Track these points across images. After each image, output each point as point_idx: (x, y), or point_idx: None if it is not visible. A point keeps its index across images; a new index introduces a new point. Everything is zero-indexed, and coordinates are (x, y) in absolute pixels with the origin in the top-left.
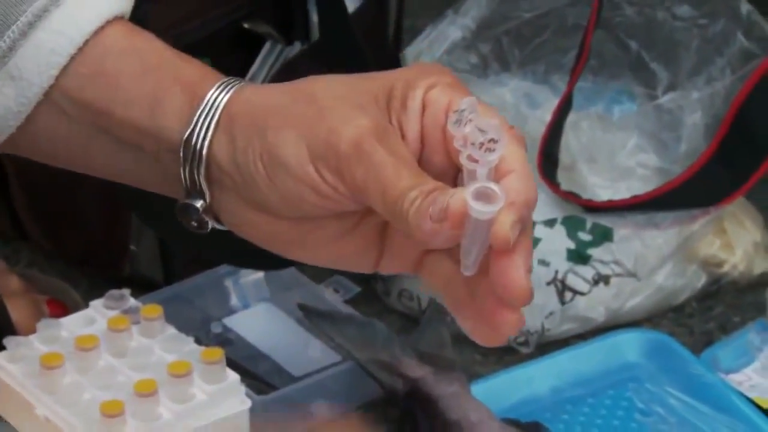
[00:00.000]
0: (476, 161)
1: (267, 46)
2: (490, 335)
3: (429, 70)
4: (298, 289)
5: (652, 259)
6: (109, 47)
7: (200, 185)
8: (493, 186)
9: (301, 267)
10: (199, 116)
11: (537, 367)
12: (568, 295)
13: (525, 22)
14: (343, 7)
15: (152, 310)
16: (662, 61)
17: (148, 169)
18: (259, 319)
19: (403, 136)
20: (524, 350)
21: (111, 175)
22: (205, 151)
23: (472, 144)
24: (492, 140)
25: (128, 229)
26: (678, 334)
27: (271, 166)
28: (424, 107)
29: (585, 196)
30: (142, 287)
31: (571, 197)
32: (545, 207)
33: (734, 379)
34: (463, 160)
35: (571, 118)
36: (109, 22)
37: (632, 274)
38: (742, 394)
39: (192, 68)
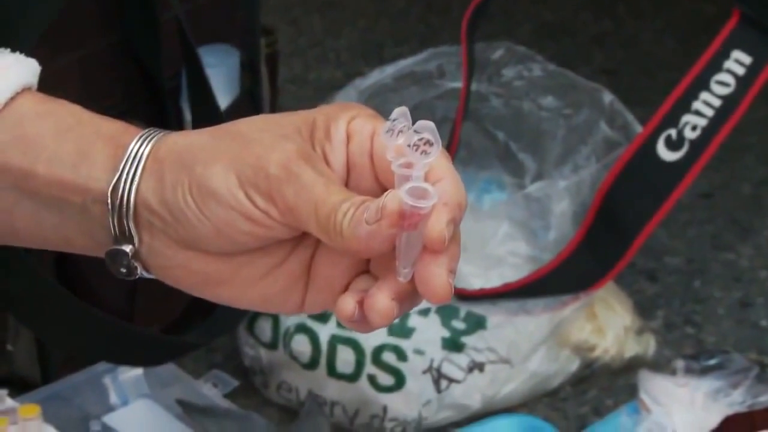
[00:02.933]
0: (410, 167)
1: None
2: None
3: (348, 106)
4: (177, 384)
5: (525, 346)
6: (25, 113)
7: (129, 231)
8: (427, 186)
9: (180, 362)
10: (125, 165)
11: None
12: (444, 383)
13: None
14: (216, 105)
15: (30, 410)
16: (529, 151)
17: (75, 224)
18: (139, 416)
19: (328, 165)
20: None
21: (36, 239)
22: (133, 197)
23: (408, 146)
24: (427, 142)
25: (4, 329)
26: (553, 418)
27: (201, 198)
28: (348, 137)
29: (458, 285)
30: (19, 387)
31: None
32: None
33: None
34: (395, 168)
35: None
36: (19, 93)
37: (506, 361)
38: None
39: (112, 124)
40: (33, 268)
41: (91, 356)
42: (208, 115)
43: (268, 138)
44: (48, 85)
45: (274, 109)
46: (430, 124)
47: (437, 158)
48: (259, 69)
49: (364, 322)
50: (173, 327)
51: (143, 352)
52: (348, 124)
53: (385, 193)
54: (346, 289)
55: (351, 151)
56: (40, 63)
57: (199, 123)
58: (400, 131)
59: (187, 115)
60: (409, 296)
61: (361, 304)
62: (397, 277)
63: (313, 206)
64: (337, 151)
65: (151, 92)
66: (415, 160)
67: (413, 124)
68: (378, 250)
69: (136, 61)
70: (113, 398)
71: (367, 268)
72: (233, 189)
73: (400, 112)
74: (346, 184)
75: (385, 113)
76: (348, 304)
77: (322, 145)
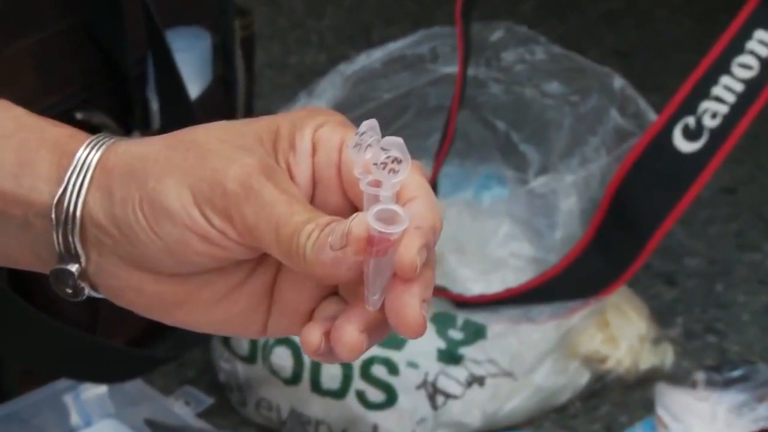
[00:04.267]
0: (379, 185)
1: None
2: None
3: (316, 112)
4: (145, 403)
5: (529, 357)
6: None
7: (75, 248)
8: (396, 208)
9: (148, 379)
10: (71, 175)
11: None
12: (440, 399)
13: (384, 104)
14: (185, 93)
15: None
16: (533, 142)
17: (16, 240)
18: None
19: (292, 178)
20: None
21: None
22: (79, 211)
23: (375, 164)
24: (396, 160)
25: None
26: None
27: (153, 215)
28: (314, 147)
29: (455, 290)
30: None
31: (439, 292)
32: None
33: None
34: (363, 186)
35: None
36: None
37: (509, 374)
38: None
39: (57, 129)
40: None
41: (50, 372)
42: (177, 105)
43: (227, 149)
44: (0, 73)
45: (250, 97)
46: (398, 140)
47: (410, 175)
48: (233, 53)
49: (330, 355)
50: (140, 339)
51: (107, 367)
52: (314, 133)
53: (352, 216)
54: (312, 312)
55: (317, 163)
56: None
57: (167, 113)
58: (369, 146)
59: (154, 105)
60: (380, 326)
61: (327, 335)
62: (366, 305)
63: (274, 227)
64: (302, 163)
65: (114, 80)
66: (384, 179)
67: (412, 112)
68: (344, 277)
69: (97, 46)
70: (75, 419)
71: (336, 289)
72: (187, 206)
73: (369, 125)
74: (312, 200)
75: (372, 101)
76: (313, 336)
77: (286, 157)
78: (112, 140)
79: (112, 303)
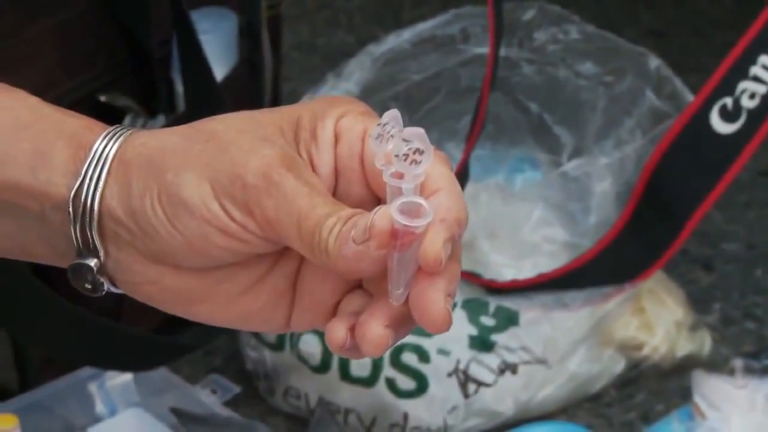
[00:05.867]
0: (402, 177)
1: (127, 120)
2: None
3: (338, 101)
4: (171, 391)
5: (563, 344)
6: None
7: (93, 242)
8: (421, 200)
9: (174, 367)
10: (88, 168)
11: None
12: (471, 387)
13: (414, 85)
14: (211, 75)
15: (7, 420)
16: (566, 124)
17: (33, 233)
18: (129, 427)
19: (314, 170)
20: None
21: None
22: (96, 205)
23: (396, 156)
24: (418, 151)
25: None
26: (596, 426)
27: (172, 209)
28: (336, 137)
29: (487, 275)
30: None
31: (471, 278)
32: None
33: None
34: (386, 178)
35: (469, 189)
36: None
37: (542, 361)
38: None
39: (75, 120)
40: (7, 261)
41: (75, 360)
42: (202, 87)
43: (247, 140)
44: (19, 56)
45: (277, 79)
46: (420, 130)
47: (433, 166)
48: (259, 34)
49: (356, 350)
50: (166, 327)
51: (133, 355)
52: (336, 123)
53: (375, 210)
54: (336, 305)
55: (339, 154)
56: (10, 31)
57: (192, 96)
58: (391, 137)
59: (179, 88)
60: (405, 320)
61: (352, 330)
62: (390, 299)
63: (296, 220)
64: (325, 153)
65: (138, 62)
66: (406, 171)
67: (443, 94)
68: (367, 272)
69: (120, 27)
70: (99, 407)
71: (360, 282)
72: (207, 200)
73: (391, 115)
74: (334, 192)
75: (402, 82)
76: (338, 332)
77: (307, 147)
78: (129, 132)
79: None
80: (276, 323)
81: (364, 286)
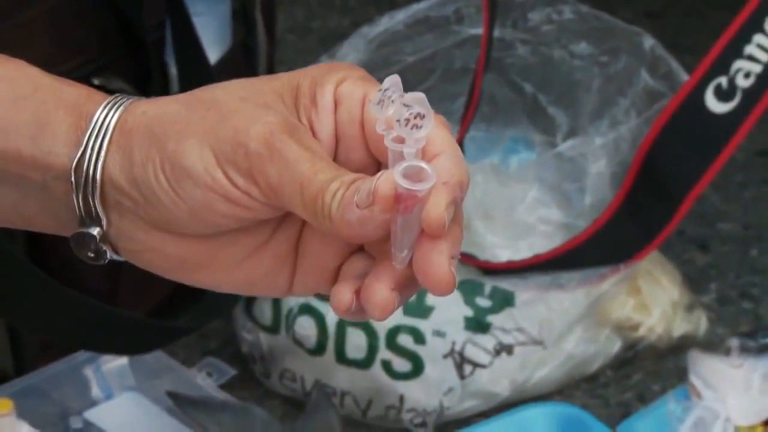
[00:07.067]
0: (403, 141)
1: None
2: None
3: (336, 66)
4: (166, 374)
5: (559, 325)
6: None
7: (96, 211)
8: (423, 164)
9: (170, 350)
10: (89, 137)
11: None
12: (467, 368)
13: (408, 67)
14: (205, 58)
15: (2, 405)
16: (561, 105)
17: (35, 203)
18: (125, 411)
19: (314, 135)
20: None
21: None
22: (99, 174)
23: (398, 121)
24: (419, 115)
25: None
26: (592, 406)
27: (175, 177)
28: (336, 103)
29: (482, 257)
30: None
31: (466, 259)
32: None
33: None
34: (388, 143)
35: None
36: None
37: (538, 342)
38: None
39: (75, 89)
40: (1, 245)
41: (70, 344)
42: (196, 70)
43: (248, 108)
44: (13, 40)
45: (271, 63)
46: (420, 95)
47: (435, 129)
48: (254, 17)
49: (361, 313)
50: (162, 310)
51: (128, 338)
52: (336, 89)
53: (378, 174)
54: (338, 268)
55: (339, 119)
56: (5, 14)
57: (185, 79)
58: (392, 102)
59: (173, 71)
60: (410, 282)
61: (358, 293)
62: (393, 262)
63: (299, 186)
64: (325, 119)
65: (131, 45)
66: (407, 135)
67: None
68: (371, 236)
69: (113, 10)
70: (95, 391)
71: (361, 245)
72: (210, 168)
73: (392, 80)
74: (335, 157)
75: (396, 64)
76: (345, 296)
77: (307, 114)
78: (130, 100)
79: (132, 273)
80: (279, 287)
81: (365, 249)
